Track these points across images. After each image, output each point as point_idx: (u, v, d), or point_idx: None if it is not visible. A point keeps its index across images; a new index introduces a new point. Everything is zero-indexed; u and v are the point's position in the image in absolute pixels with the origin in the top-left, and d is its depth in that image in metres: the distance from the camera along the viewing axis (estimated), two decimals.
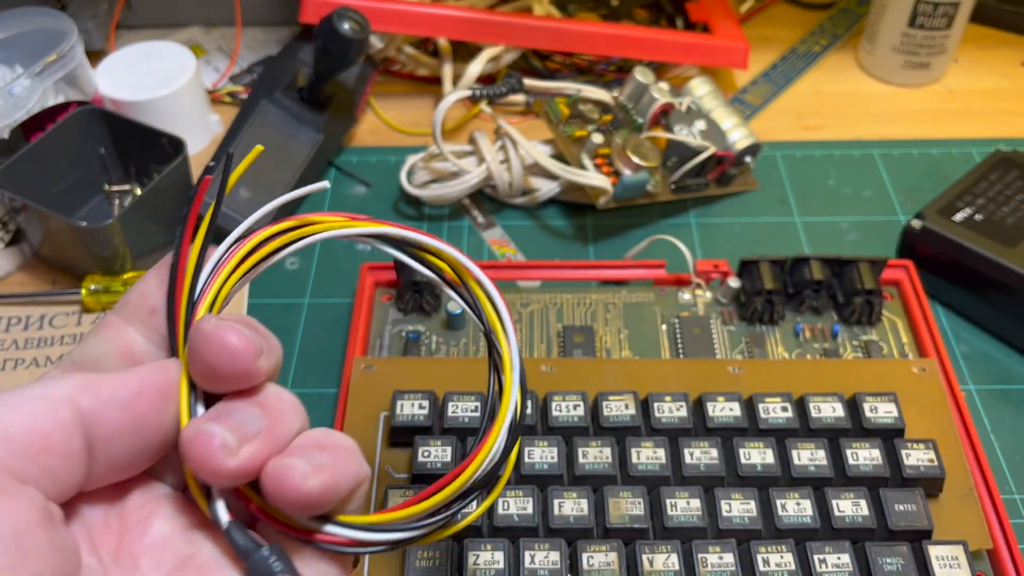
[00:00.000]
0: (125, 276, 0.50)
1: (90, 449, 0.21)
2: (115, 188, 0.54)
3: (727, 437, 0.40)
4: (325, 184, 0.26)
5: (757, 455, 0.39)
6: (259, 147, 0.25)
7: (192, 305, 0.24)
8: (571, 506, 0.37)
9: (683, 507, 0.37)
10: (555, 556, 0.36)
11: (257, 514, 0.23)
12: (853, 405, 0.40)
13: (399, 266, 0.47)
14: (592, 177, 0.51)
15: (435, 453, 0.39)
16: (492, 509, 0.37)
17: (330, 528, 0.23)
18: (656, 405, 0.40)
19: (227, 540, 0.22)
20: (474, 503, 0.26)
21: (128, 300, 0.24)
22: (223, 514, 0.22)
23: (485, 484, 0.26)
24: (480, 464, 0.25)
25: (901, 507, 0.37)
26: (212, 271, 0.24)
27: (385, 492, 0.38)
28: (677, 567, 0.35)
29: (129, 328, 0.24)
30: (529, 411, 0.40)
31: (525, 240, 0.54)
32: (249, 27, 0.68)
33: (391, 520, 0.24)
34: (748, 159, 0.56)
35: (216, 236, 0.25)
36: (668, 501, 0.37)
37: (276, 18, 0.68)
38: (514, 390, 0.26)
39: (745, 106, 0.63)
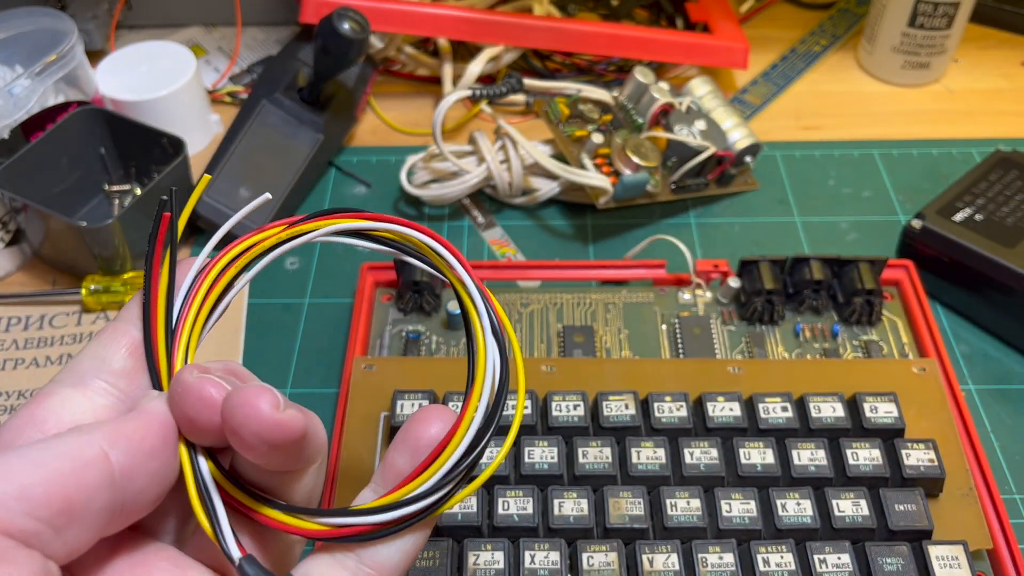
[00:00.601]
0: (125, 276, 0.50)
1: (111, 505, 0.20)
2: (115, 188, 0.54)
3: (727, 437, 0.40)
4: (267, 196, 0.26)
5: (757, 455, 0.39)
6: (207, 176, 0.25)
7: (170, 345, 0.23)
8: (571, 506, 0.37)
9: (683, 507, 0.37)
10: (555, 556, 0.36)
11: (289, 531, 0.23)
12: (853, 405, 0.40)
13: (399, 266, 0.47)
14: (592, 177, 0.51)
15: None
16: (492, 509, 0.37)
17: (354, 519, 0.23)
18: (656, 405, 0.40)
19: (240, 574, 0.22)
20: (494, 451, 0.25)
21: (118, 317, 0.24)
22: (234, 549, 0.22)
23: (488, 431, 0.24)
24: (472, 413, 0.24)
25: (901, 507, 0.37)
26: (181, 308, 0.24)
27: None
28: (677, 567, 0.35)
29: (131, 327, 0.24)
30: (529, 410, 0.40)
31: (525, 240, 0.54)
32: (249, 27, 0.68)
33: (408, 492, 0.24)
34: (748, 159, 0.56)
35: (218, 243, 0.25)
36: (668, 501, 0.37)
37: (276, 18, 0.68)
38: (484, 324, 0.25)
39: (745, 106, 0.63)
